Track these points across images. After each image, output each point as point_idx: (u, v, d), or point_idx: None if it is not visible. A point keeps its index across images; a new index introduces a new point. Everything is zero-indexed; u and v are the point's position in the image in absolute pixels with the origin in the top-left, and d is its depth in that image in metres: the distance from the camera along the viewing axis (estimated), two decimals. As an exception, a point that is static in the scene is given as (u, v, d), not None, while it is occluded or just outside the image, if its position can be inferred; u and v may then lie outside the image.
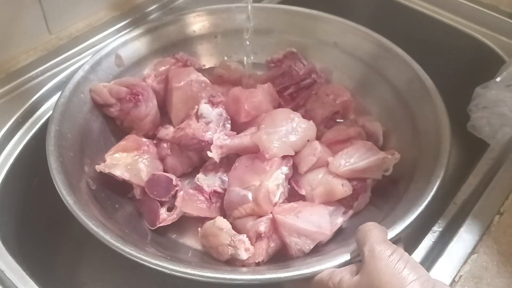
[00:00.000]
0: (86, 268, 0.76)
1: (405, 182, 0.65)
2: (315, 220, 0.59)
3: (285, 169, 0.63)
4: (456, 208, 0.62)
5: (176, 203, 0.63)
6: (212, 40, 0.85)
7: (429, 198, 0.57)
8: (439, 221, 0.60)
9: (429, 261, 0.56)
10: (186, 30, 0.82)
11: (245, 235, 0.59)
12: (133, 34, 0.77)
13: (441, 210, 0.61)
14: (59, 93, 0.72)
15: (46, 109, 0.72)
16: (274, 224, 0.59)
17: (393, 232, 0.53)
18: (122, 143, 0.69)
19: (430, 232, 0.59)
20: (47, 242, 0.73)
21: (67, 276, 0.74)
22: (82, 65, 0.71)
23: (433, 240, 0.58)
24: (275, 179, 0.61)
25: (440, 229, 0.59)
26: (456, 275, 0.54)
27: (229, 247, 0.58)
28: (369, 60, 0.80)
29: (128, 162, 0.67)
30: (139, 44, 0.78)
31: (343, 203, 0.65)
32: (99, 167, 0.64)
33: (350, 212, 0.64)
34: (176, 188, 0.64)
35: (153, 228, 0.63)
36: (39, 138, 0.65)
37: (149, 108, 0.71)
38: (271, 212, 0.60)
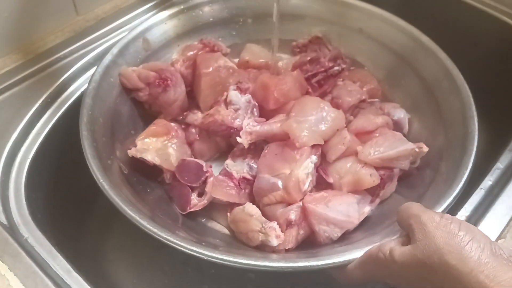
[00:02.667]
0: (112, 245, 0.78)
1: (431, 172, 0.66)
2: (344, 209, 0.61)
3: (314, 158, 0.63)
4: (483, 193, 0.62)
5: (206, 189, 0.64)
6: (238, 24, 0.84)
7: (457, 190, 0.57)
8: (465, 206, 0.60)
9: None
10: (212, 14, 0.82)
11: (276, 222, 0.60)
12: (160, 18, 0.78)
13: (467, 195, 0.61)
14: (87, 75, 0.73)
15: (73, 90, 0.73)
16: (304, 212, 0.60)
17: None
18: (152, 128, 0.70)
19: (456, 216, 0.59)
20: (75, 219, 0.75)
21: (94, 252, 0.77)
22: (110, 49, 0.72)
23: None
24: (305, 168, 0.62)
25: (467, 214, 0.60)
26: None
27: (260, 234, 0.59)
28: (394, 47, 0.80)
29: (158, 146, 0.68)
30: (165, 27, 0.78)
31: (370, 191, 0.65)
32: (131, 152, 0.65)
33: (377, 200, 0.65)
34: (207, 174, 0.64)
35: (184, 213, 0.65)
36: (68, 118, 0.66)
37: (177, 93, 0.72)
38: (300, 200, 0.61)
